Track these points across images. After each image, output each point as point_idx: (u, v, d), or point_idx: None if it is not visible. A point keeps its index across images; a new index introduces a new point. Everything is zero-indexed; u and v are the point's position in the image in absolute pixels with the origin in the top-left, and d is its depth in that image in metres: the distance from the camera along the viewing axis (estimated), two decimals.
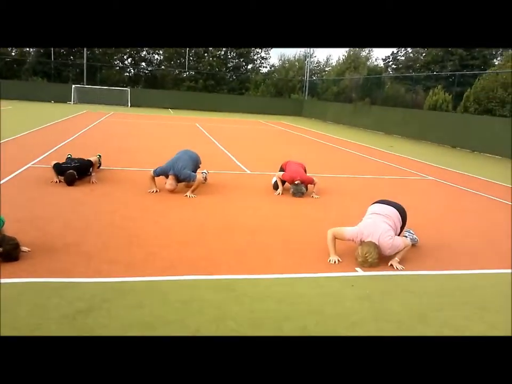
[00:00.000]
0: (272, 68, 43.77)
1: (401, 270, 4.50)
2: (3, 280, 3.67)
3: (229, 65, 42.38)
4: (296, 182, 7.30)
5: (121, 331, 3.07)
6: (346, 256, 4.73)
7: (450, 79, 27.80)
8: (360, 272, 4.39)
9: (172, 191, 6.95)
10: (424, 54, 38.43)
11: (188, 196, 6.85)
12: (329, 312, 3.55)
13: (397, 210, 4.99)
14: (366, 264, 4.45)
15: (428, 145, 18.73)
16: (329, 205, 7.06)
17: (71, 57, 37.79)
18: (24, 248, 4.27)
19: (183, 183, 7.18)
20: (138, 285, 3.81)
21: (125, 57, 41.57)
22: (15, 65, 35.61)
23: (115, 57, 40.17)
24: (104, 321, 3.18)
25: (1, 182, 6.95)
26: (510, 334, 3.29)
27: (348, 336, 3.19)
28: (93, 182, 7.31)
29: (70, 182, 7.01)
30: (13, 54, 37.10)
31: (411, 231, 5.28)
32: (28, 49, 37.66)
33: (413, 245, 5.03)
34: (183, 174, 6.96)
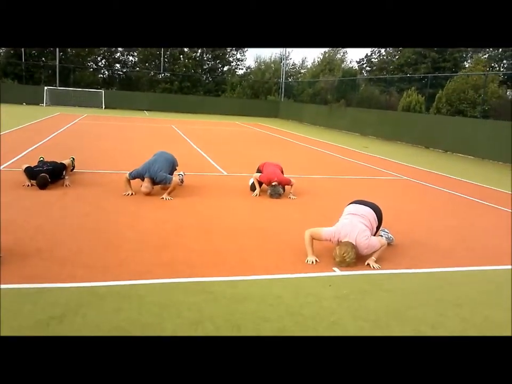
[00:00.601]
0: (248, 70, 43.87)
1: (377, 269, 4.55)
2: None
3: (205, 67, 42.26)
4: (273, 183, 7.32)
5: (96, 336, 3.01)
6: (323, 256, 4.76)
7: (423, 81, 28.36)
8: (337, 272, 4.42)
9: (148, 194, 6.88)
10: (397, 57, 39.10)
11: (164, 198, 6.78)
12: (307, 312, 3.55)
13: (373, 210, 5.05)
14: (344, 264, 4.48)
15: (402, 145, 19.03)
16: (306, 205, 7.09)
17: (43, 59, 37.04)
18: None
19: (159, 185, 7.11)
20: (114, 289, 3.74)
21: (99, 58, 41.01)
22: None
23: (89, 58, 39.57)
24: (78, 327, 3.11)
25: None
26: (510, 333, 3.33)
27: (327, 336, 3.20)
28: (66, 185, 7.18)
29: (43, 185, 6.86)
30: None
31: (386, 230, 5.35)
32: None
33: (388, 244, 5.09)
34: (159, 176, 6.89)
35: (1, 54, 36.41)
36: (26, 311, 3.27)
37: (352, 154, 14.38)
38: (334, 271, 4.44)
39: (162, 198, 6.80)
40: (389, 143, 19.58)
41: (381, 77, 34.41)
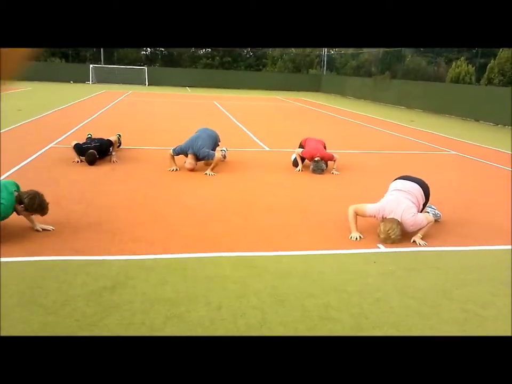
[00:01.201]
0: None
1: (424, 246, 4.46)
2: (30, 258, 3.76)
3: None
4: (316, 159, 7.24)
5: (146, 306, 3.12)
6: (367, 232, 4.69)
7: (474, 50, 26.98)
8: (382, 248, 4.36)
9: (192, 170, 6.97)
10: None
11: (208, 174, 6.86)
12: (352, 289, 3.54)
13: (420, 186, 4.91)
14: (389, 240, 4.41)
15: (450, 119, 18.31)
16: (350, 181, 6.99)
17: None
18: (48, 227, 4.36)
19: (203, 161, 7.18)
20: (161, 262, 3.85)
21: None
22: None
23: None
24: (129, 297, 3.23)
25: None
26: (510, 333, 3.23)
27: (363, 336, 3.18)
28: (113, 161, 7.37)
29: (91, 161, 7.07)
30: None
31: (433, 207, 5.20)
32: None
33: (436, 221, 4.96)
34: (202, 152, 6.96)
35: None
36: (79, 282, 3.42)
37: (397, 128, 13.98)
38: (379, 247, 4.38)
39: (206, 173, 6.88)
40: (437, 117, 18.88)
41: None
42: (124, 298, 3.23)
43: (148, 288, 3.38)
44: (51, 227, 4.37)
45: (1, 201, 3.97)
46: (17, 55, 0.54)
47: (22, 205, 4.10)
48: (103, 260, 3.82)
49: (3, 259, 3.73)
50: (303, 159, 7.49)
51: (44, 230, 4.32)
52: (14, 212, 4.21)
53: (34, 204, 4.12)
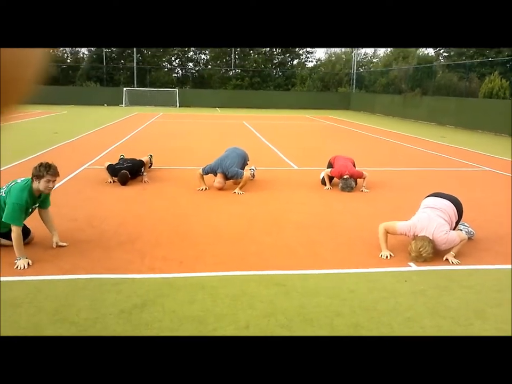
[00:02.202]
0: (318, 62, 43.34)
1: (457, 264, 4.35)
2: (64, 276, 3.86)
3: (275, 61, 42.34)
4: (345, 177, 7.20)
5: (175, 324, 3.15)
6: (398, 251, 4.62)
7: (507, 65, 26.44)
8: (413, 267, 4.28)
9: (221, 189, 7.04)
10: None
11: (237, 193, 6.91)
12: (382, 308, 3.48)
13: (452, 203, 4.81)
14: (420, 259, 4.32)
15: (483, 135, 17.92)
16: (380, 199, 6.91)
17: (122, 61, 39.07)
18: (63, 243, 4.51)
19: (231, 180, 7.26)
20: (190, 280, 3.89)
21: (173, 58, 42.48)
22: (70, 72, 37.22)
23: (163, 58, 41.13)
24: (158, 315, 3.27)
25: (59, 183, 7.29)
26: (509, 333, 3.10)
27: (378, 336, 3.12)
28: (145, 182, 7.53)
29: (124, 182, 7.25)
30: (68, 61, 38.82)
31: (466, 224, 5.07)
32: (81, 55, 39.30)
33: (469, 239, 4.84)
34: (230, 171, 7.03)
35: (85, 59, 38.87)
36: (111, 300, 3.49)
37: (429, 145, 13.77)
38: (410, 266, 4.30)
39: (235, 192, 6.93)
40: (469, 132, 18.51)
41: (460, 62, 32.55)
42: (153, 316, 3.27)
43: (176, 307, 3.42)
44: (64, 243, 4.51)
45: (13, 201, 4.10)
46: (22, 80, 0.56)
47: (37, 180, 4.21)
48: (133, 278, 3.89)
49: (38, 277, 3.85)
50: (331, 179, 7.47)
51: (58, 246, 4.47)
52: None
53: (39, 167, 4.23)
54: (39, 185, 4.24)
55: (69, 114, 22.60)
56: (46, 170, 4.24)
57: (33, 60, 0.56)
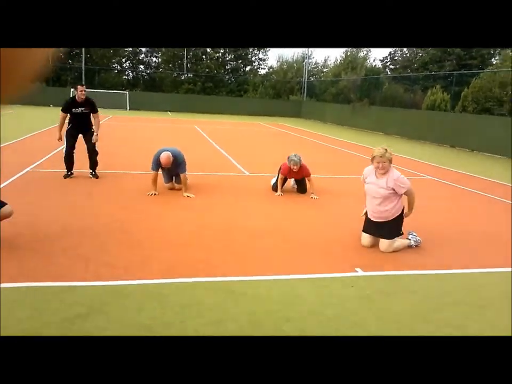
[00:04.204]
0: (271, 69, 43.82)
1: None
2: (3, 285, 3.66)
3: (227, 67, 42.41)
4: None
5: (120, 334, 3.05)
6: (345, 256, 4.72)
7: (449, 79, 27.83)
8: (360, 272, 4.38)
9: (172, 188, 6.94)
10: (421, 54, 38.50)
11: (185, 196, 6.86)
12: (329, 313, 3.53)
13: None
14: (383, 158, 4.81)
15: (426, 145, 18.73)
16: (329, 205, 7.04)
17: (70, 61, 37.79)
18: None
19: (176, 185, 7.21)
20: (137, 288, 3.79)
21: (123, 60, 41.59)
22: None
23: (113, 60, 40.19)
24: (103, 324, 3.16)
25: (1, 185, 6.93)
26: (509, 333, 3.28)
27: (348, 336, 3.17)
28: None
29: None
30: None
31: (414, 233, 5.25)
32: None
33: (416, 246, 5.05)
34: (178, 157, 6.98)
35: None
36: (52, 309, 3.34)
37: None
38: (357, 271, 4.40)
39: (184, 195, 6.90)
40: (413, 143, 19.29)
41: (405, 75, 33.94)
42: (97, 325, 3.15)
43: (123, 315, 3.32)
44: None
45: None
46: (18, 76, 0.56)
47: None
48: (76, 286, 3.75)
49: None
50: (283, 182, 7.55)
51: None
52: None
53: None
54: None
55: (14, 115, 21.58)
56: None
57: (33, 57, 0.58)
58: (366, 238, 5.04)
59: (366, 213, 5.20)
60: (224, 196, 7.29)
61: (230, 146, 13.88)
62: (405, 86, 28.75)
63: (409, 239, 5.09)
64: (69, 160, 7.82)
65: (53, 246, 4.60)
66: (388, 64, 42.80)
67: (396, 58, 41.83)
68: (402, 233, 5.01)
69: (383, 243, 4.94)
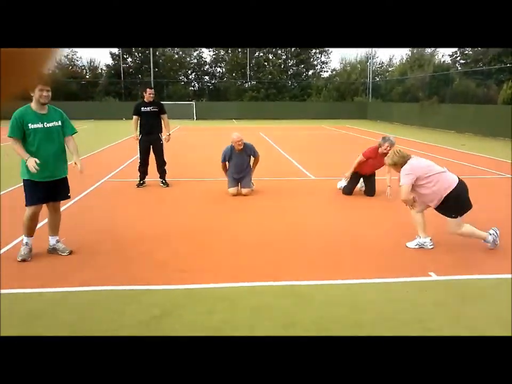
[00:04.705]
0: (334, 72, 43.35)
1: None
2: (83, 288, 3.91)
3: (290, 72, 42.50)
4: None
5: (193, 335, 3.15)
6: (418, 260, 4.56)
7: None
8: (434, 276, 4.21)
9: (236, 195, 7.06)
10: None
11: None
12: (402, 318, 3.43)
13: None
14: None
15: (503, 141, 17.64)
16: (398, 207, 6.82)
17: (139, 76, 39.66)
18: (80, 167, 4.72)
19: (242, 189, 7.44)
20: (208, 291, 3.89)
21: (189, 72, 42.97)
22: (89, 87, 37.94)
23: (179, 72, 41.63)
24: (176, 326, 3.28)
25: (81, 195, 7.41)
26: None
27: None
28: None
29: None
30: (87, 76, 39.59)
31: (497, 231, 4.90)
32: (100, 71, 40.03)
33: (491, 246, 4.79)
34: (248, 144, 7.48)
35: (104, 74, 39.59)
36: (130, 311, 3.52)
37: (448, 152, 13.61)
38: (430, 275, 4.23)
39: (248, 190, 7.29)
40: (489, 140, 18.25)
41: (477, 69, 32.23)
42: (171, 327, 3.28)
43: (195, 318, 3.43)
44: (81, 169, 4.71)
45: None
46: (20, 74, 0.58)
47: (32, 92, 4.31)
48: (152, 289, 3.92)
49: (57, 289, 3.90)
50: (357, 179, 7.48)
51: (79, 170, 4.67)
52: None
53: None
54: (35, 96, 4.38)
55: (89, 129, 22.99)
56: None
57: (36, 55, 0.59)
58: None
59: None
60: (291, 200, 7.30)
61: (295, 150, 13.88)
62: (477, 80, 27.30)
63: (489, 234, 4.80)
64: (143, 170, 8.22)
65: (129, 251, 4.84)
66: (458, 59, 40.85)
67: (467, 52, 39.84)
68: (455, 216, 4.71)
69: (451, 222, 4.71)
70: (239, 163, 7.46)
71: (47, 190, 4.53)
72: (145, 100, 8.08)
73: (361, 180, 7.67)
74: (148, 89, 8.06)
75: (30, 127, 4.36)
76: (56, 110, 4.65)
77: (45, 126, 4.45)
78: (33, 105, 4.43)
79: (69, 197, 4.87)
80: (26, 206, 4.52)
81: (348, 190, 7.49)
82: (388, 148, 6.93)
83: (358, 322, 3.35)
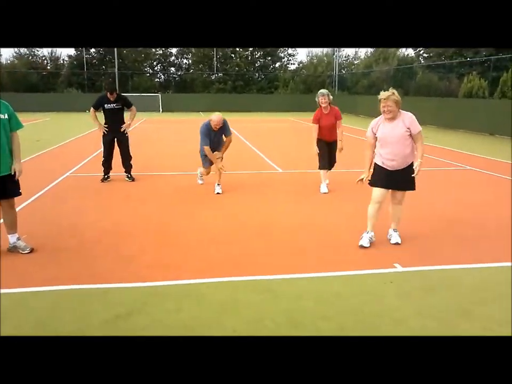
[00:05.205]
0: (301, 65, 43.52)
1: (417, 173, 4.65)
2: (48, 288, 3.79)
3: (257, 64, 42.40)
4: None
5: (161, 334, 3.11)
6: (383, 252, 4.64)
7: (486, 64, 26.90)
8: (399, 268, 4.30)
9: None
10: None
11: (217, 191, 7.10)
12: (368, 310, 3.48)
13: None
14: (388, 100, 4.78)
15: (464, 133, 18.18)
16: (364, 199, 6.93)
17: (103, 67, 38.71)
18: (17, 171, 4.45)
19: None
20: (176, 288, 3.85)
21: (155, 63, 42.24)
22: (50, 78, 36.75)
23: (145, 63, 40.87)
24: (143, 325, 3.23)
25: (43, 191, 7.18)
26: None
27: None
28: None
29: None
30: (48, 67, 38.34)
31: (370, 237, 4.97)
32: (62, 61, 38.85)
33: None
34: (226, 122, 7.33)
35: (66, 65, 38.42)
36: (93, 311, 3.43)
37: None
38: (395, 267, 4.32)
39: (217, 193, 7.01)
40: (451, 132, 18.77)
41: (440, 63, 33.02)
42: (138, 326, 3.22)
43: (163, 315, 3.38)
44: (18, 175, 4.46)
45: None
46: None
47: None
48: (118, 287, 3.84)
49: (17, 289, 3.77)
50: (323, 146, 7.60)
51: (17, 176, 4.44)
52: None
53: None
54: None
55: (51, 122, 22.32)
56: None
57: None
58: (380, 192, 4.85)
59: (375, 167, 4.96)
60: (259, 193, 7.30)
61: (262, 143, 13.89)
62: (439, 74, 27.99)
63: (367, 232, 4.92)
64: (107, 164, 8.04)
65: (94, 248, 4.73)
66: (421, 53, 41.72)
67: None
68: (415, 188, 4.84)
69: (399, 194, 4.86)
70: (216, 141, 7.33)
71: None
72: (108, 96, 7.85)
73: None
74: (109, 94, 7.81)
75: None
76: (3, 103, 4.38)
77: None
78: None
79: (20, 194, 4.59)
80: None
81: (324, 164, 7.44)
82: (323, 99, 7.38)
83: (326, 316, 3.38)
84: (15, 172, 4.42)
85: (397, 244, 4.90)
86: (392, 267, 4.31)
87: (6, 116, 4.33)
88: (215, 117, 7.12)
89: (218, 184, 7.29)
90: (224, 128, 7.29)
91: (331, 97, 7.36)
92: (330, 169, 7.59)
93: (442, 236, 5.21)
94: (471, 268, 4.34)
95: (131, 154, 8.18)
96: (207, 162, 7.33)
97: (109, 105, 7.86)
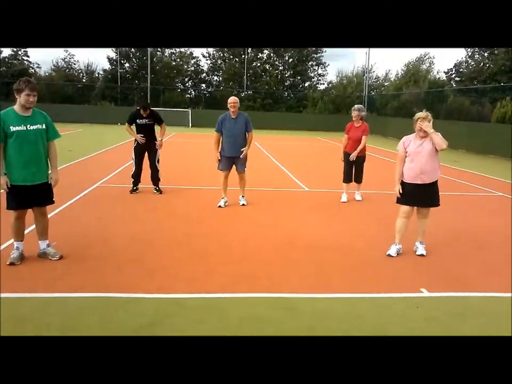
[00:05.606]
0: (330, 85, 43.61)
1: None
2: (73, 294, 3.86)
3: (286, 83, 42.71)
4: None
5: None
6: (410, 276, 4.56)
7: None
8: (425, 293, 4.21)
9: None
10: (489, 65, 36.87)
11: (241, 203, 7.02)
12: (392, 332, 3.41)
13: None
14: (426, 119, 5.11)
15: (496, 159, 17.80)
16: (392, 220, 6.84)
17: (136, 81, 39.67)
18: (54, 181, 4.60)
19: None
20: (199, 301, 3.86)
21: (186, 79, 43.05)
22: (85, 91, 37.86)
23: (176, 79, 41.70)
24: (167, 335, 3.24)
25: (72, 200, 7.35)
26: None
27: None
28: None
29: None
30: (84, 80, 39.54)
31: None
32: (97, 75, 40.01)
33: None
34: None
35: (100, 78, 39.57)
36: (118, 319, 3.47)
37: (442, 169, 13.64)
38: (422, 292, 4.23)
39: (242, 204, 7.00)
40: (482, 157, 18.41)
41: (472, 87, 32.61)
42: (161, 336, 3.24)
43: (185, 327, 3.39)
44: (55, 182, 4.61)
45: None
46: None
47: (18, 95, 4.29)
48: (141, 297, 3.88)
49: (43, 294, 3.85)
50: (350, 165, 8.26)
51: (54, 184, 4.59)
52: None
53: (19, 82, 4.32)
54: (21, 99, 4.31)
55: (84, 133, 22.92)
56: (25, 84, 4.30)
57: None
58: (407, 207, 5.23)
59: (402, 185, 5.33)
60: (284, 211, 7.29)
61: (289, 161, 13.91)
62: (471, 98, 27.60)
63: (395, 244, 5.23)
64: (136, 176, 8.20)
65: (120, 258, 4.80)
66: (453, 76, 41.31)
67: (462, 70, 40.31)
68: (439, 204, 5.34)
69: (425, 209, 5.29)
70: (232, 128, 7.43)
71: (28, 194, 4.43)
72: (141, 112, 8.13)
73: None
74: (142, 110, 8.10)
75: (11, 130, 4.27)
76: (41, 113, 4.54)
77: (28, 128, 4.34)
78: (16, 107, 4.35)
79: (53, 202, 4.74)
80: (7, 209, 4.48)
81: (347, 177, 8.18)
82: (354, 113, 8.17)
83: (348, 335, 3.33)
84: (51, 181, 4.56)
85: (421, 255, 5.15)
86: (419, 292, 4.23)
87: (44, 126, 4.48)
88: (230, 98, 7.48)
89: (242, 196, 7.45)
90: (245, 121, 7.60)
91: (363, 113, 7.78)
92: (357, 182, 8.29)
93: (470, 261, 5.09)
94: (501, 297, 4.22)
95: (158, 168, 8.32)
96: (221, 164, 7.44)
97: (141, 120, 8.10)
